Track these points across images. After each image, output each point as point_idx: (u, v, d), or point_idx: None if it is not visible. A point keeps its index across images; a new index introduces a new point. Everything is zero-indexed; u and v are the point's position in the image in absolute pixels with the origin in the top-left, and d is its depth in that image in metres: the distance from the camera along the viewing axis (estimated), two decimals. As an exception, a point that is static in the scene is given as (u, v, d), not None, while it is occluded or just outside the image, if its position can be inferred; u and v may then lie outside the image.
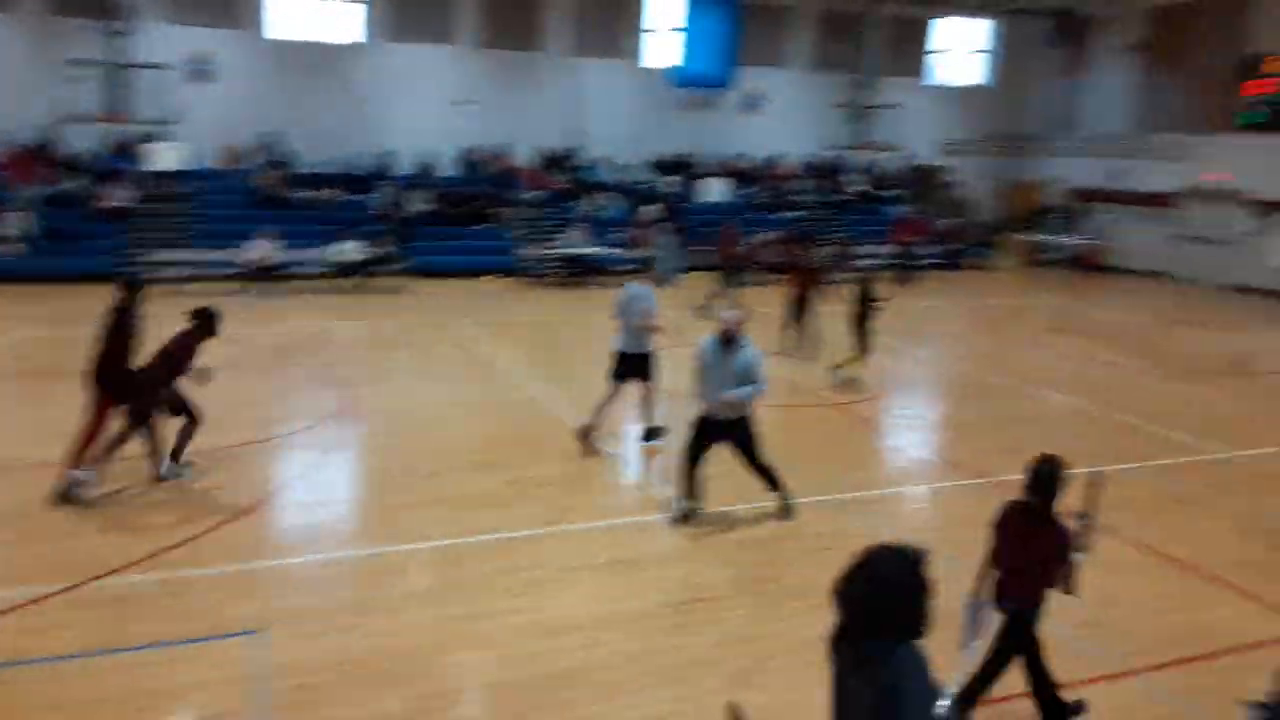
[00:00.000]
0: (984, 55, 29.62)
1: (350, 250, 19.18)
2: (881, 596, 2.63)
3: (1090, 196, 27.58)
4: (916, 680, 2.64)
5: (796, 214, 25.20)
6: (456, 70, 24.14)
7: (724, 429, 7.45)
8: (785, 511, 7.81)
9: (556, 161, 24.94)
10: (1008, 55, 29.57)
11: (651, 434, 9.64)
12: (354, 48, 23.24)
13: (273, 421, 9.89)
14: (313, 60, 22.92)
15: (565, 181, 24.42)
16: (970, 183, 29.24)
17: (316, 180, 22.17)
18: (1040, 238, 27.82)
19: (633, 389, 9.57)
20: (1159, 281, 25.10)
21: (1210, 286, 23.89)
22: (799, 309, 14.32)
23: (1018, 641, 4.78)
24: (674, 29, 25.27)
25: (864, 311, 12.40)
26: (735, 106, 26.98)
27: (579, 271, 21.19)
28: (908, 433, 11.22)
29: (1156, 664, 5.79)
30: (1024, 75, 29.67)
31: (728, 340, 7.26)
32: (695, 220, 23.57)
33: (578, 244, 21.27)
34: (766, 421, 10.44)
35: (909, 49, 28.14)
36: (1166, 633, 6.17)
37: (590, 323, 17.32)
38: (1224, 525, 8.13)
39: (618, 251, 21.61)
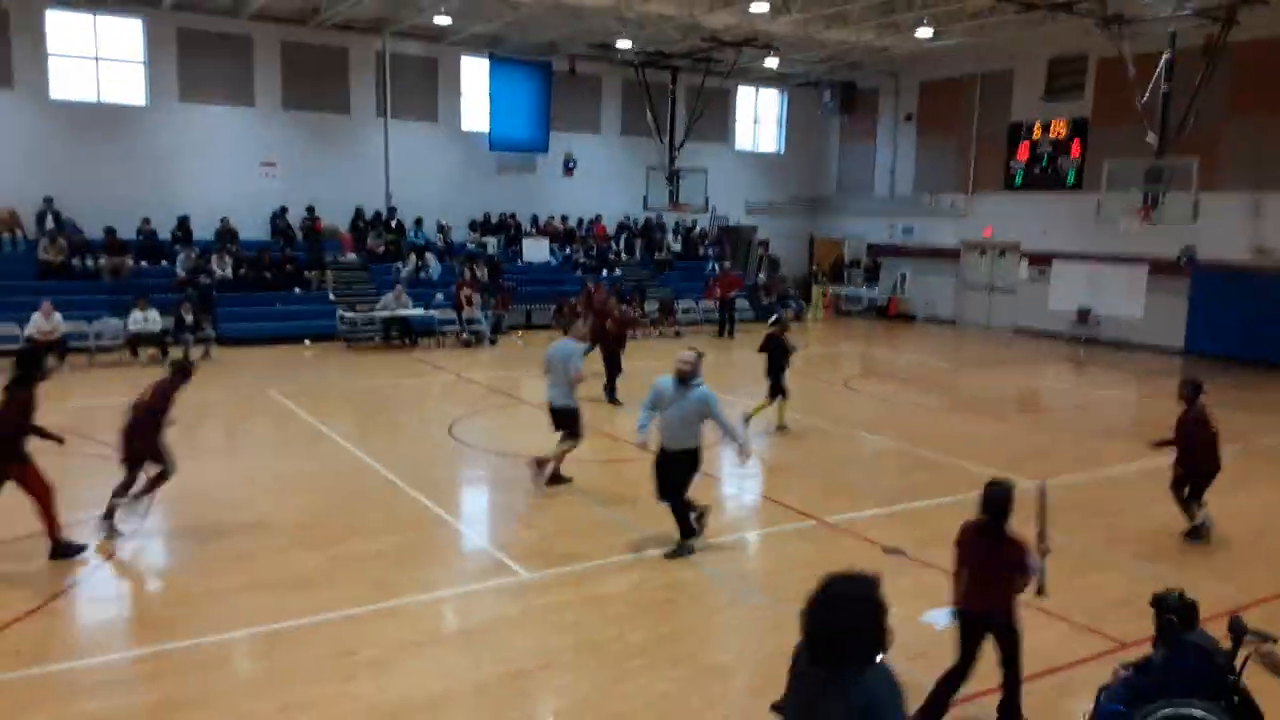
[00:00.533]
0: (780, 123, 31.69)
1: (146, 320, 17.90)
2: (852, 619, 2.79)
3: (886, 251, 29.63)
4: (891, 695, 2.81)
5: (616, 273, 25.78)
6: (259, 132, 23.17)
7: (675, 459, 7.94)
8: (680, 549, 8.10)
9: (376, 223, 24.36)
10: (802, 123, 31.65)
11: (557, 480, 10.04)
12: (143, 109, 21.95)
13: (64, 507, 8.95)
14: (100, 122, 21.45)
15: (385, 243, 23.87)
16: (777, 241, 30.80)
17: (109, 247, 20.70)
18: (844, 290, 29.78)
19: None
20: (952, 327, 27.03)
21: (997, 329, 25.96)
22: (613, 360, 14.82)
23: (1013, 643, 5.36)
24: (485, 95, 25.42)
25: (780, 361, 12.94)
26: (553, 169, 27.31)
27: (403, 334, 20.71)
28: (740, 478, 11.46)
29: (981, 690, 6.05)
30: (819, 141, 31.94)
31: (683, 379, 7.88)
32: (518, 280, 23.67)
33: (400, 306, 20.77)
34: (592, 474, 10.54)
35: (714, 116, 29.32)
36: (989, 659, 6.47)
37: (417, 386, 16.89)
38: (1031, 552, 8.65)
39: (440, 313, 21.32)
